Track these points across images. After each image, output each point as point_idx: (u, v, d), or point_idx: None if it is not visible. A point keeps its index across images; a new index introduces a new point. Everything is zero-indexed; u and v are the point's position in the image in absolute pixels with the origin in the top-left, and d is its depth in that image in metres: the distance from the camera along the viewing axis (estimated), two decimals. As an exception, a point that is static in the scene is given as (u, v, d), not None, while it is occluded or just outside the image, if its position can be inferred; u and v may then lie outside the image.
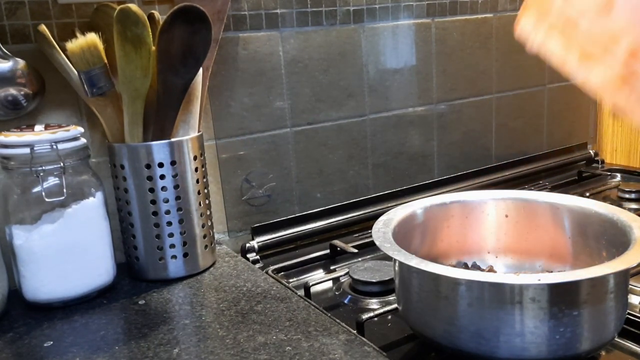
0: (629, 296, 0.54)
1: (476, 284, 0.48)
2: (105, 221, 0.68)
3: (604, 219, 0.59)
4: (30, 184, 0.63)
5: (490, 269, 0.66)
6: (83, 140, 0.66)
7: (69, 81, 0.67)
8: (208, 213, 0.73)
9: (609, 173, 1.14)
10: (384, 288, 0.70)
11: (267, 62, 0.84)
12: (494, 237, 0.67)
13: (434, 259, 0.53)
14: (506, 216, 0.67)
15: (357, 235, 0.90)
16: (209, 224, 0.73)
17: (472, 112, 1.05)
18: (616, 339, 0.56)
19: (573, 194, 0.76)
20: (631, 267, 0.48)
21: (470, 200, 0.68)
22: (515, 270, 0.66)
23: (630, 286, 0.53)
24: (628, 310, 0.54)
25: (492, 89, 1.07)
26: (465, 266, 0.66)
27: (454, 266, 0.66)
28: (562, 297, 0.47)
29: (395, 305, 0.61)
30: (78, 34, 0.64)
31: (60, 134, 0.62)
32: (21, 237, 0.63)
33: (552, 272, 0.63)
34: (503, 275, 0.64)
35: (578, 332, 0.48)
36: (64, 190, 0.62)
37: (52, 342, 0.57)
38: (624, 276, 0.51)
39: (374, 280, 0.70)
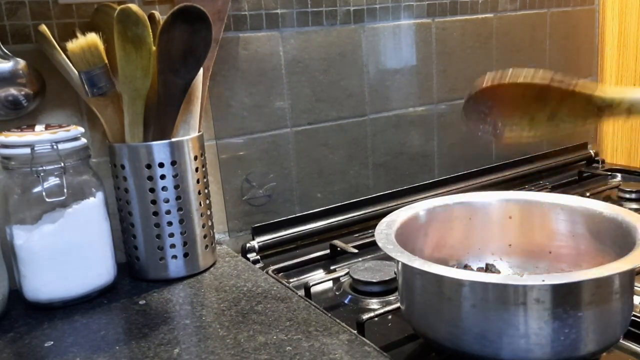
0: (634, 297, 0.54)
1: (480, 285, 0.48)
2: (106, 221, 0.68)
3: (609, 220, 0.59)
4: (31, 184, 0.63)
5: (494, 271, 0.66)
6: (83, 140, 0.66)
7: (70, 81, 0.67)
8: (208, 213, 0.73)
9: (609, 173, 1.13)
10: (384, 288, 0.70)
11: (268, 62, 0.84)
12: (498, 239, 0.67)
13: (437, 261, 0.53)
14: (510, 217, 0.67)
15: (357, 235, 0.90)
16: (210, 224, 0.73)
17: (472, 112, 1.05)
18: (620, 341, 0.55)
19: (573, 194, 0.76)
20: (636, 267, 0.48)
21: (473, 202, 0.68)
22: (519, 272, 0.66)
23: (635, 287, 0.52)
24: (633, 312, 0.54)
25: (493, 89, 1.07)
26: (469, 268, 0.66)
27: (458, 268, 0.66)
28: (566, 297, 0.47)
29: (395, 305, 0.61)
30: (78, 34, 0.64)
31: (61, 134, 0.62)
32: (22, 237, 0.63)
33: (556, 273, 0.63)
34: (507, 276, 0.64)
35: (583, 333, 0.48)
36: (65, 190, 0.62)
37: (52, 342, 0.57)
38: (630, 277, 0.51)
39: (374, 280, 0.70)
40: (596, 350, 0.50)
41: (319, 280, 0.72)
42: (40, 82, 0.67)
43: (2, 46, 0.65)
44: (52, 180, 0.63)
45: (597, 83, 0.51)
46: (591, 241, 0.61)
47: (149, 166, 0.67)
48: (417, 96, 0.98)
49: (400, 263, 0.54)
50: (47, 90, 0.69)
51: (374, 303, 0.68)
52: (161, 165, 0.67)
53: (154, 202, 0.68)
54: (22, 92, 0.66)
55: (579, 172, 1.13)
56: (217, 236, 0.82)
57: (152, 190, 0.67)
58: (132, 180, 0.67)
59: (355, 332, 0.56)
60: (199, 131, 0.72)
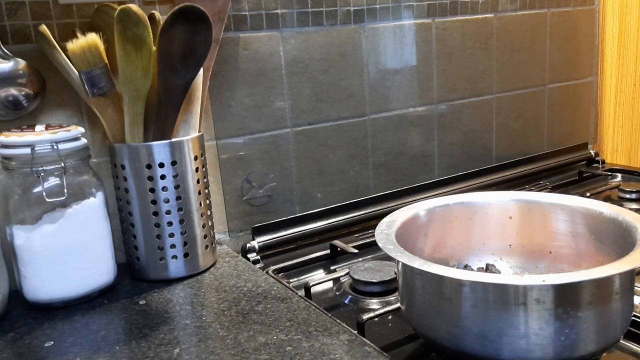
0: (634, 297, 0.54)
1: (480, 285, 0.48)
2: (106, 221, 0.68)
3: (609, 220, 0.59)
4: (31, 184, 0.63)
5: (494, 271, 0.66)
6: (84, 141, 0.66)
7: (70, 81, 0.67)
8: (209, 213, 0.73)
9: (609, 173, 1.13)
10: (384, 288, 0.70)
11: (268, 62, 0.84)
12: (498, 239, 0.67)
13: (437, 261, 0.53)
14: (510, 217, 0.67)
15: (357, 235, 0.90)
16: (210, 224, 0.73)
17: (472, 112, 1.05)
18: (620, 341, 0.55)
19: (573, 194, 0.76)
20: (636, 267, 0.48)
21: (473, 202, 0.68)
22: (520, 272, 0.66)
23: (635, 287, 0.53)
24: (633, 312, 0.54)
25: (493, 89, 1.07)
26: (469, 268, 0.66)
27: (458, 268, 0.66)
28: (567, 298, 0.47)
29: (395, 306, 0.61)
30: (79, 34, 0.64)
31: (61, 134, 0.62)
32: (22, 237, 0.63)
33: (556, 273, 0.63)
34: (507, 276, 0.64)
35: (583, 333, 0.48)
36: (65, 191, 0.62)
37: (52, 342, 0.57)
38: (630, 277, 0.51)
39: (374, 281, 0.70)
40: (596, 351, 0.50)
41: (319, 280, 0.72)
42: (41, 82, 0.68)
43: (2, 46, 0.65)
44: (53, 181, 0.63)
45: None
46: (591, 241, 0.61)
47: (149, 166, 0.67)
48: (417, 96, 0.98)
49: (400, 263, 0.54)
50: (47, 90, 0.69)
51: (374, 303, 0.68)
52: (161, 165, 0.67)
53: (154, 202, 0.68)
54: (23, 92, 0.66)
55: (579, 172, 1.13)
56: (217, 236, 0.82)
57: (152, 190, 0.67)
58: (132, 180, 0.67)
59: (356, 332, 0.56)
60: (199, 131, 0.72)
